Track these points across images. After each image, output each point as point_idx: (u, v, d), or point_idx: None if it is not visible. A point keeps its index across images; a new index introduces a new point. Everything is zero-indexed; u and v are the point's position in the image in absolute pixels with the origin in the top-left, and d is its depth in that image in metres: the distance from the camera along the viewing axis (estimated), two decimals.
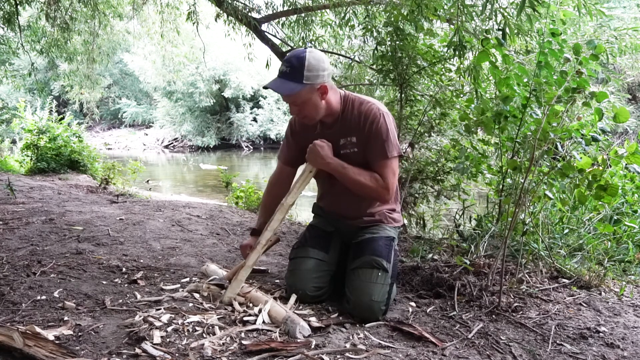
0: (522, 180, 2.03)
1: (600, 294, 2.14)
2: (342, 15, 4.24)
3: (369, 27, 3.36)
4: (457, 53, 2.58)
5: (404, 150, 3.37)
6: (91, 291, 1.93)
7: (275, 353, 1.46)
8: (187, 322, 1.64)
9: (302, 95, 1.82)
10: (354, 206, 2.03)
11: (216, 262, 2.42)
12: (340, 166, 1.87)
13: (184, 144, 20.67)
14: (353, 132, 1.93)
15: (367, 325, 1.75)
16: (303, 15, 4.70)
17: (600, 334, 1.72)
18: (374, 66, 3.46)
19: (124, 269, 2.24)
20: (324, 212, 2.17)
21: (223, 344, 1.53)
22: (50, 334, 1.49)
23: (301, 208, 4.98)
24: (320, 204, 2.19)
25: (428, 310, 1.91)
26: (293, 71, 1.79)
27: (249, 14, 4.84)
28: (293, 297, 1.91)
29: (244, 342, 1.54)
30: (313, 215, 2.24)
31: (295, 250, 2.05)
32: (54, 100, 8.58)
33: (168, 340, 1.53)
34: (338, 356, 1.49)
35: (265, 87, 1.86)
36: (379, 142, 1.88)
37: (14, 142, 9.86)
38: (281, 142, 2.23)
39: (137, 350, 1.44)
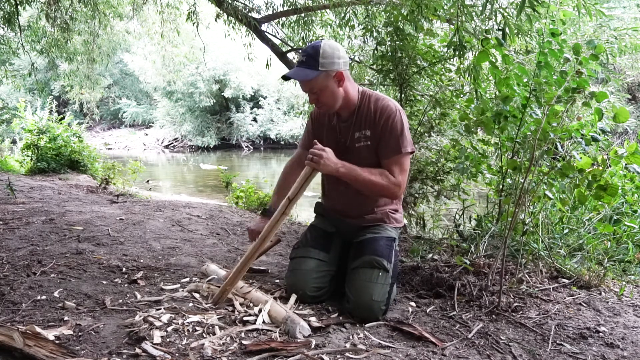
0: (522, 180, 2.03)
1: (600, 294, 2.14)
2: (342, 15, 4.25)
3: (369, 27, 3.37)
4: (457, 53, 2.58)
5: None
6: (91, 291, 1.93)
7: (275, 353, 1.47)
8: (187, 322, 1.64)
9: (318, 81, 1.85)
10: (356, 204, 2.03)
11: (216, 262, 2.42)
12: (350, 170, 1.86)
13: (184, 144, 20.68)
14: (367, 126, 1.96)
15: (367, 325, 1.75)
16: (303, 15, 4.70)
17: (600, 334, 1.72)
18: (374, 66, 3.46)
19: (124, 269, 2.24)
20: (326, 211, 2.17)
21: (223, 343, 1.53)
22: (50, 334, 1.49)
23: (301, 208, 4.98)
24: (323, 203, 2.20)
25: (428, 310, 1.91)
26: (309, 59, 1.84)
27: (249, 14, 4.85)
28: (293, 297, 1.91)
29: (244, 342, 1.54)
30: (314, 215, 2.24)
31: (296, 250, 2.06)
32: (54, 100, 8.57)
33: (168, 340, 1.53)
34: (338, 356, 1.49)
35: (283, 77, 1.91)
36: (393, 137, 1.91)
37: (14, 142, 9.86)
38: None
39: (137, 350, 1.44)
